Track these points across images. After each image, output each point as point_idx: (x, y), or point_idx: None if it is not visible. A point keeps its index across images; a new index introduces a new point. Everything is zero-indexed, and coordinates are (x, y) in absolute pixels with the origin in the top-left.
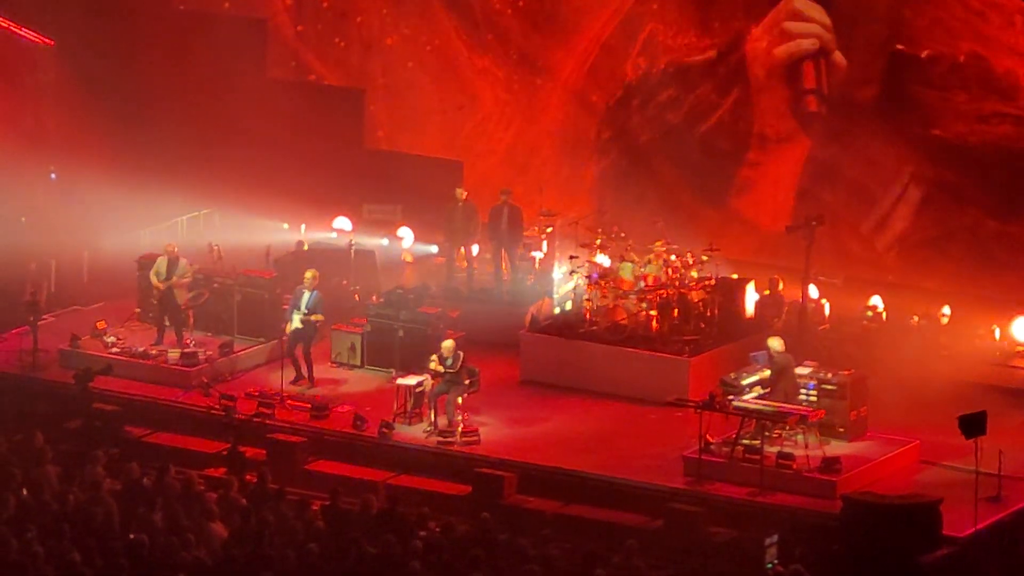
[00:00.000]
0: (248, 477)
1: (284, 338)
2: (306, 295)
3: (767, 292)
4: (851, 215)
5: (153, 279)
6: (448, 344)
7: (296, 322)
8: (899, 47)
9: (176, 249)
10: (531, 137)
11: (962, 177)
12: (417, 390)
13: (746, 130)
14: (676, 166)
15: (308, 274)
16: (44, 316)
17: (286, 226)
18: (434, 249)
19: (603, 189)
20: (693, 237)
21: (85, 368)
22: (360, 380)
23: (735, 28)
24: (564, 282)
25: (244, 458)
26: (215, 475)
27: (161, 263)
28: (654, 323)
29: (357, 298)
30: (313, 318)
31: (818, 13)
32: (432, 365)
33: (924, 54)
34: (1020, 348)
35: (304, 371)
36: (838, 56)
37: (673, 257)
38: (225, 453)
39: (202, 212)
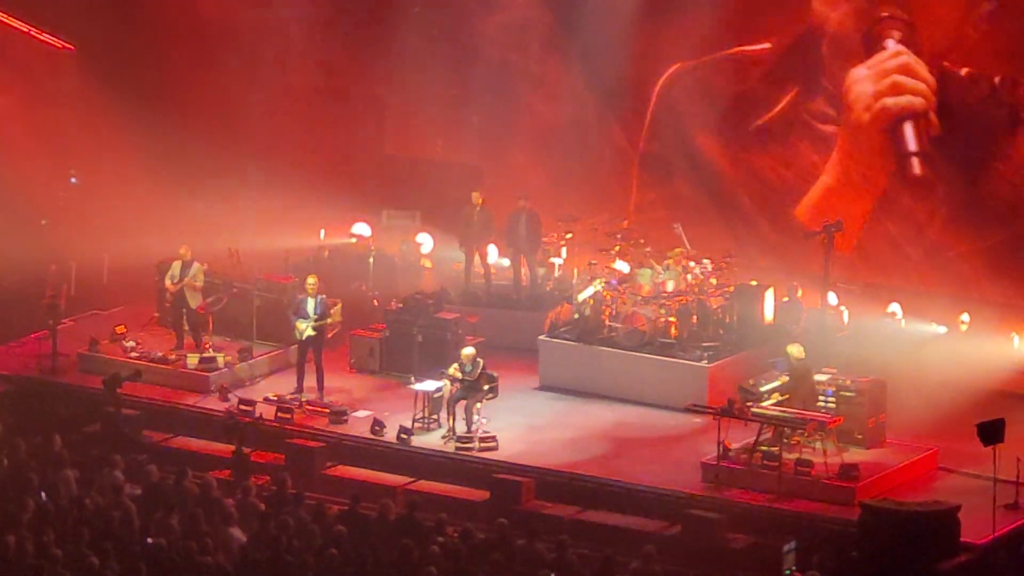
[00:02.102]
0: (254, 479)
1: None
2: (311, 302)
3: (786, 298)
4: (880, 224)
5: (167, 282)
6: (468, 352)
7: (309, 330)
8: (945, 64)
9: (190, 253)
10: (552, 141)
11: (984, 190)
12: (435, 396)
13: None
14: (699, 173)
15: (310, 280)
16: (63, 320)
17: (323, 233)
18: (454, 255)
19: (622, 195)
20: (713, 243)
21: (114, 373)
22: (379, 385)
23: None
24: (583, 288)
25: (249, 461)
26: (221, 477)
27: (176, 266)
28: (673, 329)
29: (376, 303)
30: (329, 321)
31: (924, 71)
32: (451, 371)
33: (964, 72)
34: None
35: (316, 381)
36: (933, 117)
37: (692, 263)
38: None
39: (221, 216)
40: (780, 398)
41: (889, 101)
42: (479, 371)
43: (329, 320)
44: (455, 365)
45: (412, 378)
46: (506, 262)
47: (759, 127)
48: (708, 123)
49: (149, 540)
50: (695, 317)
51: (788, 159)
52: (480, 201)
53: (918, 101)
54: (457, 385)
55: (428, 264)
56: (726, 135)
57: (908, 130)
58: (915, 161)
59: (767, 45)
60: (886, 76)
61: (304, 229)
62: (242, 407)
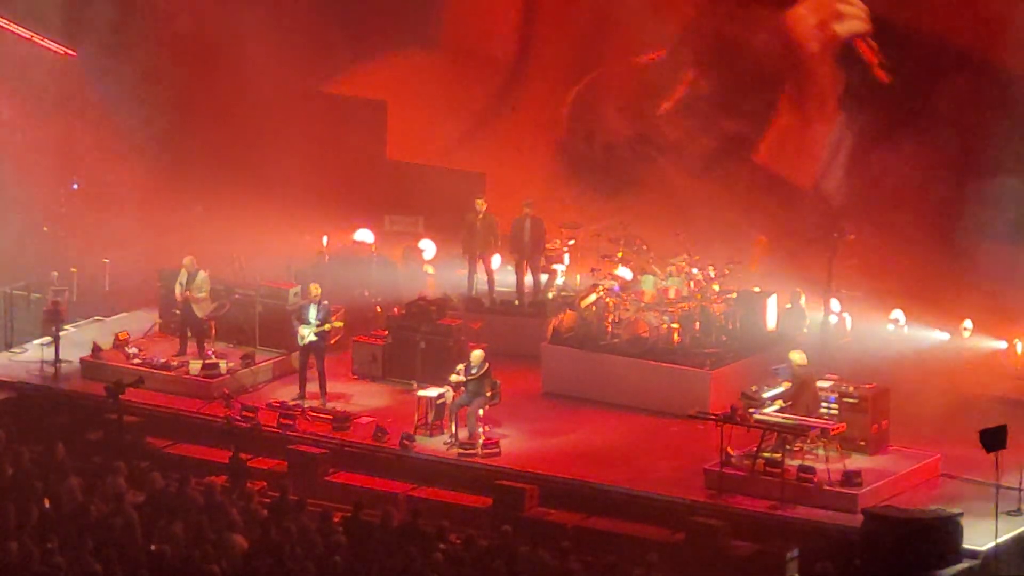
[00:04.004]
0: (249, 485)
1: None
2: (312, 308)
3: (789, 305)
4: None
5: (177, 289)
6: (477, 354)
7: (310, 335)
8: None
9: (194, 263)
10: (556, 147)
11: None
12: (438, 402)
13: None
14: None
15: (314, 289)
16: (66, 326)
17: (307, 237)
18: (457, 261)
19: (616, 199)
20: (716, 249)
21: (116, 380)
22: (381, 392)
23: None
24: (586, 294)
25: (246, 466)
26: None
27: (183, 274)
28: (676, 336)
29: (379, 309)
30: (329, 326)
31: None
32: (454, 377)
33: None
34: None
35: (319, 387)
36: (872, 42)
37: (695, 270)
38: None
39: (223, 222)
40: (783, 405)
41: (837, 26)
42: (483, 371)
43: (328, 326)
44: (459, 367)
45: (415, 384)
46: (509, 268)
47: (667, 111)
48: (620, 121)
49: (152, 547)
50: (698, 323)
51: (704, 128)
52: (484, 208)
53: (861, 23)
54: (460, 391)
55: (430, 270)
56: (637, 126)
57: (861, 46)
58: (879, 71)
59: (661, 53)
60: (827, 5)
61: (306, 235)
62: (245, 413)
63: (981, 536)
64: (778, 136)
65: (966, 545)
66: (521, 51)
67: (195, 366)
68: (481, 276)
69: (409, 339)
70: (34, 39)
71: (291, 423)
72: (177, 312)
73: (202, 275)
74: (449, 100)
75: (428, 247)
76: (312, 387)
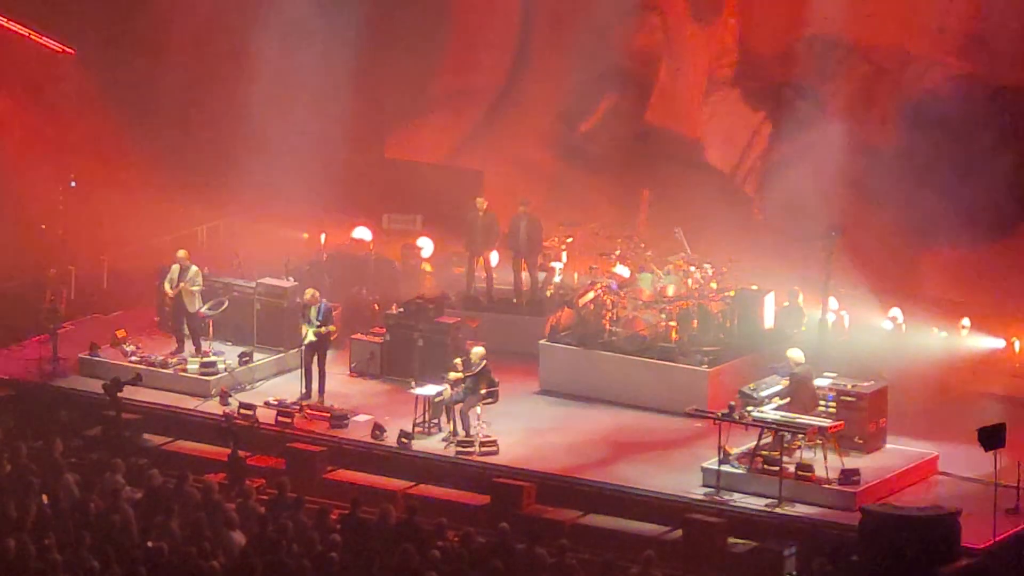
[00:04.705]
0: (248, 482)
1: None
2: (314, 308)
3: (786, 303)
4: None
5: (166, 286)
6: (478, 350)
7: (311, 335)
8: None
9: (188, 257)
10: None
11: None
12: (436, 400)
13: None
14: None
15: (307, 293)
16: (64, 324)
17: (305, 235)
18: (455, 259)
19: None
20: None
21: (114, 377)
22: (379, 390)
23: None
24: (584, 292)
25: (244, 464)
26: (219, 480)
27: (174, 270)
28: (673, 334)
29: (376, 308)
30: (323, 330)
31: None
32: (451, 376)
33: None
34: None
35: (317, 385)
36: None
37: (692, 268)
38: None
39: (222, 220)
40: (780, 403)
41: None
42: (481, 368)
43: (323, 330)
44: (457, 361)
45: (412, 382)
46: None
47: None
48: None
49: (150, 544)
50: (695, 321)
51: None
52: (484, 206)
53: None
54: (458, 388)
55: (428, 268)
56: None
57: None
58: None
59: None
60: None
61: (305, 232)
62: (242, 411)
63: (979, 534)
64: (659, 95)
65: (964, 543)
66: (518, 56)
67: (192, 364)
68: (480, 274)
69: (407, 337)
70: (32, 36)
71: (289, 421)
72: (167, 309)
73: (194, 269)
74: (450, 102)
75: (426, 245)
76: (311, 385)
